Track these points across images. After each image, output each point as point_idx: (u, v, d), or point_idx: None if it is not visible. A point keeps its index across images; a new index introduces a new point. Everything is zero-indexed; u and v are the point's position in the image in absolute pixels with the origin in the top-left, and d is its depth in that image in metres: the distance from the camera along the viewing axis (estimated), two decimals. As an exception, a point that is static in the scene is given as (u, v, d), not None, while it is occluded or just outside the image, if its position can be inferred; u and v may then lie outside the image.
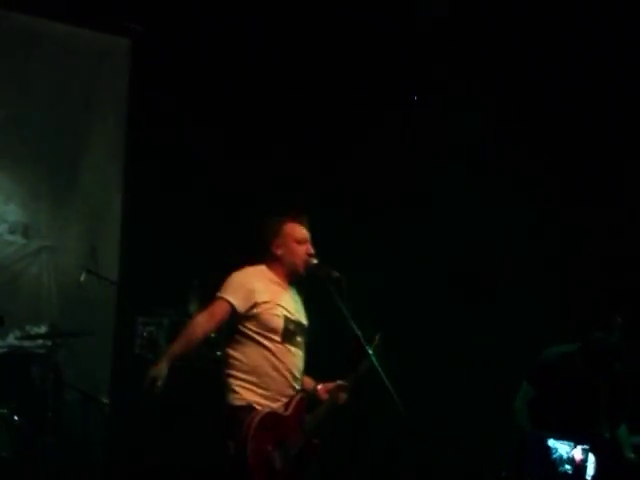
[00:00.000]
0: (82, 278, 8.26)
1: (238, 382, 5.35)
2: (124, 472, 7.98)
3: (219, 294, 5.45)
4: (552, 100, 8.29)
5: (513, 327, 8.09)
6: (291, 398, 5.42)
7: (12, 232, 8.62)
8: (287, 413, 5.37)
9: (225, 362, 5.47)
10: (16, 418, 7.34)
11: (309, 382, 5.70)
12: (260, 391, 5.35)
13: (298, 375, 5.50)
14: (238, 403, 5.33)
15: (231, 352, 5.44)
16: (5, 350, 8.04)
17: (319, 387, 5.67)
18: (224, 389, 5.42)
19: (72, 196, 8.93)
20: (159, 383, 5.17)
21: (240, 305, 5.39)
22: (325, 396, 5.62)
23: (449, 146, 8.74)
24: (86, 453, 7.92)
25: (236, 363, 5.40)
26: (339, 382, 5.57)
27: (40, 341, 8.06)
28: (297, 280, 5.64)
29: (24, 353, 8.04)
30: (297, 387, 5.49)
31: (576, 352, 6.63)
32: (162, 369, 5.21)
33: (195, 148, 8.78)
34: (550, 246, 8.26)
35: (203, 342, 5.47)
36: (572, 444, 6.45)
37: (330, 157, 9.01)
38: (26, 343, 8.09)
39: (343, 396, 5.56)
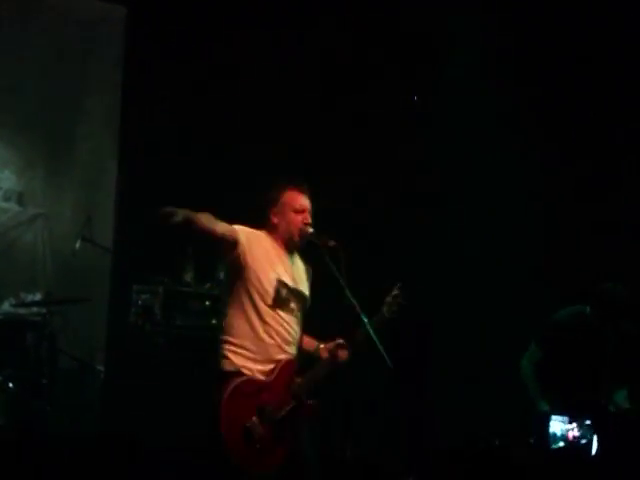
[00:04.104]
0: (77, 246, 8.25)
1: (230, 347, 5.36)
2: (118, 439, 7.99)
3: None
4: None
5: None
6: (277, 363, 5.43)
7: (7, 199, 8.62)
8: (270, 378, 5.36)
9: (220, 329, 5.48)
10: (11, 385, 7.37)
11: (311, 342, 5.69)
12: (251, 355, 5.34)
13: (292, 341, 5.49)
14: (227, 368, 5.34)
15: (225, 318, 5.45)
16: (0, 317, 8.05)
17: (321, 346, 5.65)
18: (217, 355, 5.42)
19: (67, 164, 8.93)
20: (176, 219, 5.03)
21: (243, 238, 5.35)
22: (325, 355, 5.61)
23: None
24: (80, 420, 7.96)
25: (229, 328, 5.40)
26: (339, 341, 5.53)
27: (35, 308, 8.07)
28: (297, 249, 5.63)
29: (19, 320, 8.05)
30: (291, 352, 5.50)
31: (585, 310, 6.71)
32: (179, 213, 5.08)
33: (190, 115, 8.76)
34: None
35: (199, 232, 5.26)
36: (566, 420, 6.53)
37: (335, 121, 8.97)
38: (21, 310, 8.11)
39: (343, 353, 5.52)
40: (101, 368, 8.31)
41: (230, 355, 5.35)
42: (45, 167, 8.81)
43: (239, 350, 5.35)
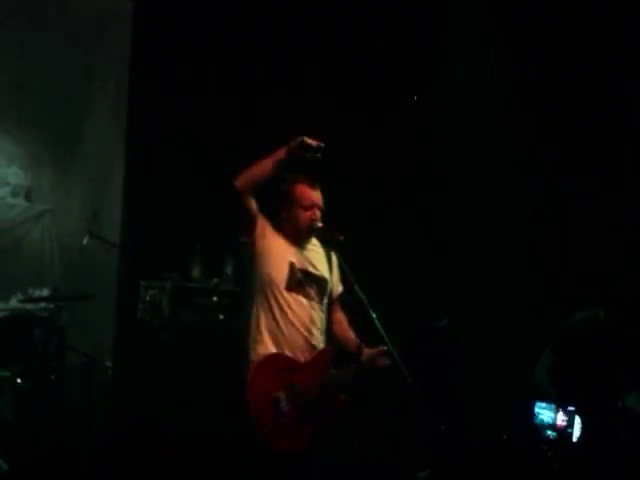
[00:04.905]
0: (85, 241, 8.25)
1: (255, 337, 5.35)
2: (126, 435, 8.01)
3: None
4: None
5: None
6: (313, 350, 5.39)
7: (15, 195, 8.63)
8: (305, 361, 5.37)
9: (242, 325, 5.48)
10: (19, 381, 7.37)
11: (354, 341, 5.52)
12: (276, 342, 5.31)
13: (314, 328, 5.45)
14: (253, 358, 5.34)
15: (246, 311, 5.45)
16: (8, 313, 8.06)
17: (363, 349, 5.45)
18: (243, 349, 5.41)
19: (75, 159, 8.95)
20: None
21: (260, 221, 5.41)
22: (365, 359, 5.53)
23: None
24: (89, 416, 7.97)
25: (251, 320, 5.40)
26: (382, 348, 5.29)
27: (43, 304, 8.09)
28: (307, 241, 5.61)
29: (27, 316, 8.06)
30: (316, 341, 5.45)
31: (599, 314, 6.71)
32: None
33: (197, 112, 8.76)
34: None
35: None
36: (554, 408, 6.54)
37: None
38: (29, 306, 8.12)
39: (383, 361, 5.34)
40: (109, 363, 8.34)
41: (256, 346, 5.34)
42: (52, 162, 8.82)
43: (264, 339, 5.34)
